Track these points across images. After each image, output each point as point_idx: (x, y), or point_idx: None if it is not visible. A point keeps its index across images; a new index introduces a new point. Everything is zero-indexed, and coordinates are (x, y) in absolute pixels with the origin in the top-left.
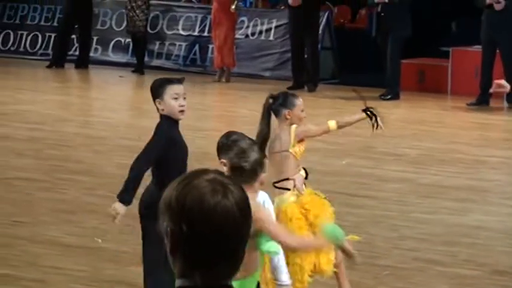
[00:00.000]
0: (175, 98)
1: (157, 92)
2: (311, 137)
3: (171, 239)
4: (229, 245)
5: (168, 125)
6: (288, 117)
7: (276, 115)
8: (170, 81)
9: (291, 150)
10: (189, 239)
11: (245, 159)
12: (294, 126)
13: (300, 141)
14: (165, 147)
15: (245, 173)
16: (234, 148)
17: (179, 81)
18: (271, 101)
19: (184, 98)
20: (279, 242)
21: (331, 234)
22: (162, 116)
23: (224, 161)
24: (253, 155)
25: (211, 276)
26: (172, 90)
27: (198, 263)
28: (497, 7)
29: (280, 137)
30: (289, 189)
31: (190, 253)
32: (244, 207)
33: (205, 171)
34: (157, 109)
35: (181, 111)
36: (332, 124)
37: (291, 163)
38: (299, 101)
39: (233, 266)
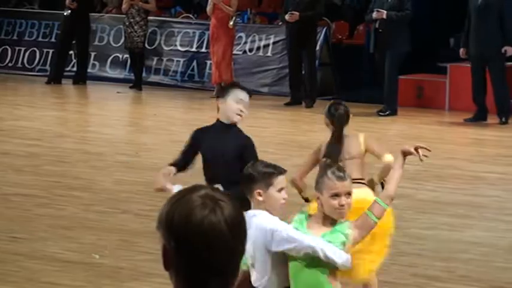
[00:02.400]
0: (237, 102)
1: (222, 91)
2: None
3: (163, 255)
4: (219, 261)
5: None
6: None
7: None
8: (238, 86)
9: None
10: (178, 254)
11: None
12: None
13: None
14: None
15: None
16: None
17: (249, 92)
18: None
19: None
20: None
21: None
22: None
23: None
24: None
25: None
26: (236, 94)
27: (189, 279)
28: None
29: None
30: None
31: (180, 269)
32: (234, 224)
33: (199, 187)
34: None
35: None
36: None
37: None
38: None
39: (225, 283)
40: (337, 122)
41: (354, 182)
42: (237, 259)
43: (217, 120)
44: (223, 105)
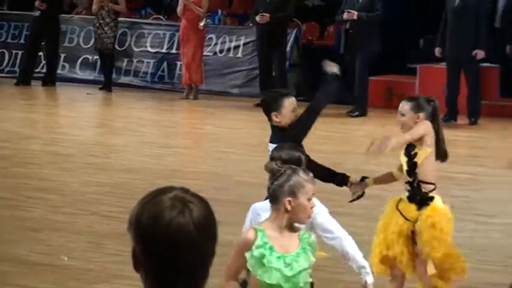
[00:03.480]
0: (293, 111)
1: (273, 105)
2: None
3: (133, 256)
4: (187, 262)
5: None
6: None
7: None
8: (286, 95)
9: None
10: (146, 255)
11: None
12: None
13: None
14: None
15: None
16: None
17: (293, 92)
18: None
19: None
20: None
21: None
22: (276, 128)
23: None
24: None
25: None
26: (290, 103)
27: (158, 280)
28: None
29: None
30: None
31: (149, 270)
32: (203, 225)
33: (169, 189)
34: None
35: None
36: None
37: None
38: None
39: (194, 284)
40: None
41: None
42: (206, 261)
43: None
44: (279, 119)
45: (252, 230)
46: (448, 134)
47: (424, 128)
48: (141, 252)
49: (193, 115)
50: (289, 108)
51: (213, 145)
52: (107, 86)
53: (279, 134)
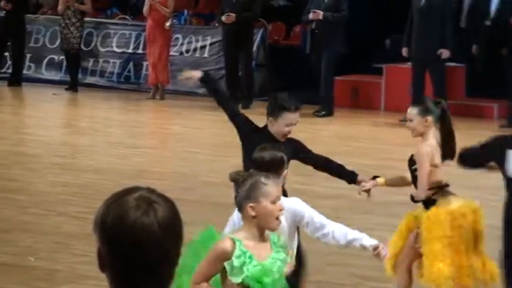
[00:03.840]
0: (286, 126)
1: (274, 111)
2: None
3: (98, 256)
4: (152, 263)
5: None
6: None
7: None
8: (288, 109)
9: None
10: (111, 255)
11: None
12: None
13: None
14: None
15: None
16: None
17: (297, 108)
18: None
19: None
20: None
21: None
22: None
23: None
24: None
25: None
26: (288, 118)
27: (123, 280)
28: None
29: None
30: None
31: (114, 270)
32: (168, 226)
33: (134, 189)
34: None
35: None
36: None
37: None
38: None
39: (158, 285)
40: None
41: None
42: (171, 261)
43: (266, 127)
44: (272, 125)
45: (229, 240)
46: None
47: (425, 159)
48: (106, 252)
49: (159, 115)
50: (285, 122)
51: (179, 145)
52: (73, 86)
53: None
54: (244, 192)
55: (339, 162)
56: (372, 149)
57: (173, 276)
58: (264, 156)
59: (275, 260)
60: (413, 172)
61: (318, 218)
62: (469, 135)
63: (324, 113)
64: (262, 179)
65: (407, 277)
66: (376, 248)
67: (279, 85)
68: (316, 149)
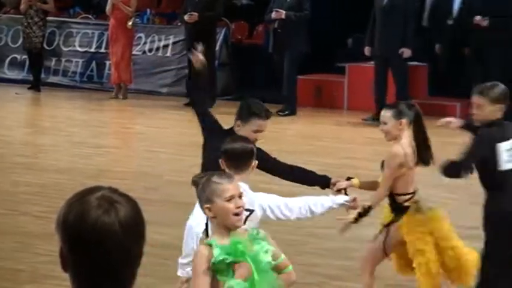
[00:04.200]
0: (255, 132)
1: (244, 115)
2: None
3: (60, 256)
4: (111, 263)
5: None
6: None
7: None
8: (258, 115)
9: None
10: (73, 255)
11: None
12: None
13: None
14: None
15: None
16: None
17: (267, 116)
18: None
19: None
20: None
21: None
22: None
23: None
24: None
25: None
26: (257, 124)
27: (84, 280)
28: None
29: None
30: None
31: (76, 270)
32: (129, 225)
33: (96, 189)
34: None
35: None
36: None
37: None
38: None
39: (120, 285)
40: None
41: None
42: (133, 261)
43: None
44: (240, 129)
45: (204, 245)
46: (376, 132)
47: (395, 162)
48: (67, 251)
49: (122, 114)
50: (253, 128)
51: (142, 144)
52: (36, 85)
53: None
54: (200, 195)
55: (303, 161)
56: (334, 148)
57: (135, 276)
58: (235, 147)
59: (258, 254)
60: None
61: (282, 200)
62: (432, 134)
63: (287, 112)
64: (215, 178)
65: (372, 278)
66: (353, 199)
67: (242, 84)
68: (280, 148)
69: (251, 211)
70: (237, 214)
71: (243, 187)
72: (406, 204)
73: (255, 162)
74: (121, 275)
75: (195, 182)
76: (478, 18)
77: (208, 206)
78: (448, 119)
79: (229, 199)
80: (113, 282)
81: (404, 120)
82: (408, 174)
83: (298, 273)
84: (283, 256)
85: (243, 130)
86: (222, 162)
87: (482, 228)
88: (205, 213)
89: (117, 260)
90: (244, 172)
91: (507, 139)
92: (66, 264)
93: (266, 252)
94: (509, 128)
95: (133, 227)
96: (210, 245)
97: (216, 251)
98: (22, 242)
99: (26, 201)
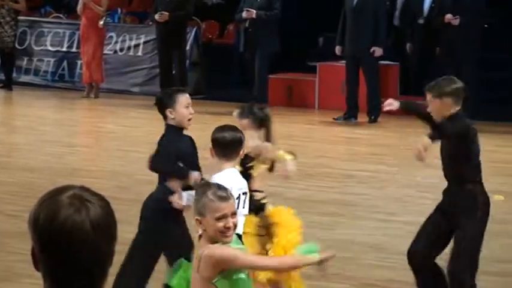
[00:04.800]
0: (187, 107)
1: (168, 101)
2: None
3: (32, 255)
4: (83, 261)
5: (175, 134)
6: (172, 116)
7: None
8: (181, 91)
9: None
10: (44, 254)
11: None
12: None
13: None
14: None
15: None
16: None
17: (187, 90)
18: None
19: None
20: (260, 269)
21: (306, 252)
22: (169, 126)
23: None
24: None
25: None
26: (184, 99)
27: (55, 279)
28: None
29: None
30: None
31: (47, 269)
32: (100, 224)
33: (68, 188)
34: (166, 118)
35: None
36: None
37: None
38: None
39: (91, 285)
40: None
41: None
42: (104, 261)
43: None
44: (175, 115)
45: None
46: (348, 132)
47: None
48: (39, 250)
49: (94, 113)
50: (183, 103)
51: (114, 143)
52: (8, 84)
53: (174, 133)
54: (195, 202)
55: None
56: (306, 147)
57: (106, 275)
58: (225, 135)
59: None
60: (247, 170)
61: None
62: (403, 133)
63: None
64: (210, 194)
65: None
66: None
67: (213, 84)
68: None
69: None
70: (225, 234)
71: (233, 171)
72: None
73: (243, 150)
74: (92, 274)
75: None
76: (449, 16)
77: (198, 218)
78: (388, 101)
79: (220, 218)
80: (84, 281)
81: (245, 121)
82: (267, 172)
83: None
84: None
85: (177, 113)
86: (211, 151)
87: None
88: (196, 223)
89: (88, 259)
90: (234, 160)
91: None
92: (38, 263)
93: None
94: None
95: (105, 226)
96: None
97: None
98: None
99: None
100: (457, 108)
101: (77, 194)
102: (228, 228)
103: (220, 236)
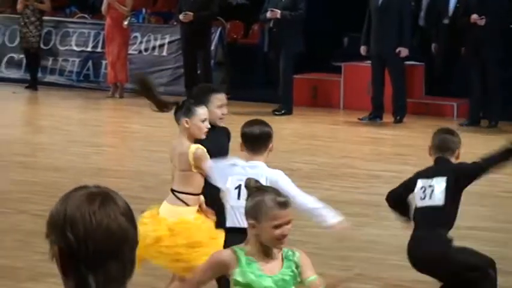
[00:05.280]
0: (220, 107)
1: (201, 99)
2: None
3: (60, 257)
4: (119, 249)
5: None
6: (187, 126)
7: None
8: (215, 90)
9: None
10: (78, 250)
11: None
12: (194, 147)
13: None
14: None
15: None
16: None
17: (223, 89)
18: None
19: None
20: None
21: None
22: None
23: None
24: None
25: (106, 280)
26: (217, 99)
27: (91, 265)
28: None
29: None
30: (188, 205)
31: (81, 261)
32: (129, 213)
33: (84, 187)
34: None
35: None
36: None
37: (198, 179)
38: (200, 110)
39: (123, 270)
40: None
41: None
42: (135, 247)
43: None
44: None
45: (230, 250)
46: (373, 132)
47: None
48: (71, 247)
49: (119, 114)
50: (216, 103)
51: (139, 143)
52: (33, 84)
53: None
54: (248, 204)
55: (299, 160)
56: (330, 147)
57: (135, 262)
58: (253, 130)
59: (284, 276)
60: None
61: (295, 192)
62: (428, 134)
63: (283, 111)
64: (269, 201)
65: None
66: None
67: (238, 84)
68: (276, 147)
69: None
70: (280, 241)
71: (260, 165)
72: None
73: (271, 145)
74: (125, 261)
75: (246, 186)
76: (474, 16)
77: (252, 222)
78: None
79: (277, 226)
80: (119, 265)
81: (188, 119)
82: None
83: None
84: (314, 277)
85: (210, 113)
86: (241, 145)
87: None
88: (248, 225)
89: (124, 247)
90: (262, 154)
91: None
92: (68, 263)
93: (290, 277)
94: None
95: (131, 215)
96: (235, 252)
97: (237, 272)
98: (20, 241)
99: (24, 200)
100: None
101: (94, 190)
102: (285, 236)
103: (276, 243)
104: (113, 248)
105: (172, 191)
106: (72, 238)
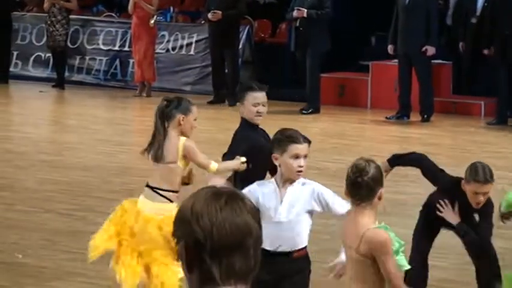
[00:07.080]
0: (255, 105)
1: (240, 94)
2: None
3: (187, 253)
4: (243, 241)
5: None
6: (182, 123)
7: (168, 119)
8: (252, 88)
9: (179, 164)
10: (204, 238)
11: None
12: (183, 139)
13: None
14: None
15: None
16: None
17: (261, 88)
18: (165, 103)
19: (264, 105)
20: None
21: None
22: (242, 119)
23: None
24: None
25: (229, 272)
26: (252, 97)
27: (215, 257)
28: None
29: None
30: (172, 202)
31: (206, 253)
32: (256, 213)
33: (211, 186)
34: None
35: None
36: (212, 167)
37: (179, 176)
38: (194, 109)
39: (246, 264)
40: None
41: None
42: (260, 242)
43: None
44: (243, 110)
45: (383, 231)
46: (400, 131)
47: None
48: (198, 240)
49: (146, 112)
50: (250, 101)
51: None
52: (60, 83)
53: (246, 126)
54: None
55: (327, 159)
56: (358, 146)
57: (259, 258)
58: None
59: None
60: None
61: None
62: (455, 132)
63: (310, 110)
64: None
65: None
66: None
67: (265, 82)
68: None
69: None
70: (298, 172)
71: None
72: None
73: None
74: (247, 252)
75: (357, 165)
76: None
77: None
78: None
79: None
80: (242, 256)
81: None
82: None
83: (322, 271)
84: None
85: (244, 108)
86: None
87: None
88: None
89: (244, 235)
90: None
91: None
92: (194, 258)
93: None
94: None
95: (257, 213)
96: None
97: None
98: (47, 240)
99: (51, 199)
100: None
101: (215, 189)
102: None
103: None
104: (237, 241)
105: (153, 188)
106: (198, 231)
